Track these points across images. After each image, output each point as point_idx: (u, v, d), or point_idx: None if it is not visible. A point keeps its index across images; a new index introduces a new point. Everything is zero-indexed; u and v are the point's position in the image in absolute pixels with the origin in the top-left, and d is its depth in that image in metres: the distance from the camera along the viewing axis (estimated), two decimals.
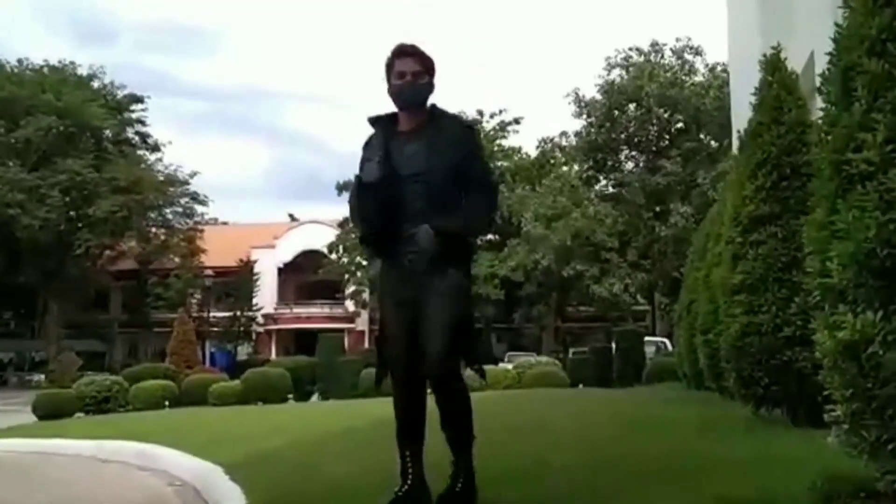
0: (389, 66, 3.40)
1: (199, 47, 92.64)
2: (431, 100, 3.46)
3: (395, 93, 3.39)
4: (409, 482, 3.24)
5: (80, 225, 41.75)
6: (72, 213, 41.53)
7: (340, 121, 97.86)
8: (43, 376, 35.91)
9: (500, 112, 41.96)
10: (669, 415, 7.38)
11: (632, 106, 36.08)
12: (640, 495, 3.26)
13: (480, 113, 41.78)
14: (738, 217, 5.57)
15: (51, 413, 15.15)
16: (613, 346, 20.46)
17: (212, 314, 38.74)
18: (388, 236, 3.33)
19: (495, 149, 41.34)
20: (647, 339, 22.95)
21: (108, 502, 5.44)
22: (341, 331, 36.97)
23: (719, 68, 33.58)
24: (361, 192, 3.34)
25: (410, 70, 3.36)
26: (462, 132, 3.48)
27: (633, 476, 3.72)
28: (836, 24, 2.65)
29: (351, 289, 42.17)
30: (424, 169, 3.31)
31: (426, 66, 3.41)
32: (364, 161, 3.43)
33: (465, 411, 3.28)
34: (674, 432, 5.69)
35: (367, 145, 3.47)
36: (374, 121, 3.50)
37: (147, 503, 5.30)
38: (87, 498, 5.70)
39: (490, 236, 42.04)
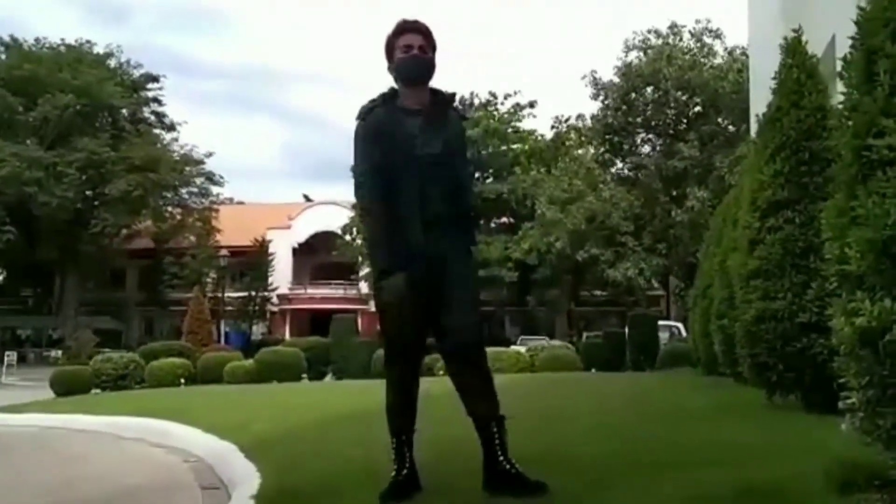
0: (390, 44, 3.30)
1: (208, 28, 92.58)
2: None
3: (402, 66, 3.27)
4: (406, 467, 3.20)
5: (96, 203, 42.09)
6: (88, 191, 41.87)
7: (354, 102, 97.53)
8: (60, 353, 36.31)
9: (515, 93, 41.78)
10: (683, 400, 7.37)
11: (649, 89, 35.81)
12: (654, 482, 3.25)
13: (493, 95, 41.61)
14: (755, 202, 5.53)
15: (68, 389, 15.34)
16: (627, 330, 20.41)
17: (227, 294, 38.97)
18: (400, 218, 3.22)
19: (509, 131, 41.20)
20: (661, 323, 22.87)
21: (125, 478, 5.51)
22: (355, 312, 37.11)
23: (738, 51, 33.24)
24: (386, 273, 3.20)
25: (417, 44, 3.26)
26: (461, 124, 3.51)
27: (646, 463, 3.72)
28: (859, 7, 2.61)
29: (365, 270, 42.22)
30: (440, 151, 3.26)
31: (430, 44, 3.32)
32: (368, 172, 3.28)
33: (493, 383, 3.25)
34: (688, 418, 5.68)
35: (369, 138, 3.28)
36: (367, 111, 3.31)
37: (163, 479, 5.36)
38: (103, 474, 5.77)
39: (504, 219, 42.05)
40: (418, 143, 3.24)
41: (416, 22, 3.34)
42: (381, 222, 3.26)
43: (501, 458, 3.13)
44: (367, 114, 3.31)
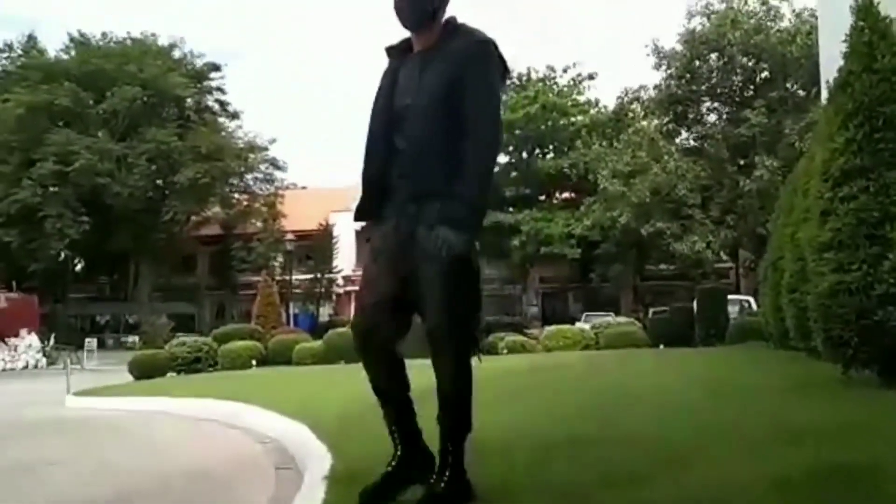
0: None
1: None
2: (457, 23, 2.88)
3: (396, 10, 2.84)
4: (398, 453, 2.95)
5: (166, 192, 43.29)
6: (158, 180, 43.05)
7: None
8: (137, 338, 37.62)
9: (574, 65, 41.19)
10: (756, 377, 7.23)
11: (714, 55, 34.82)
12: (728, 463, 3.20)
13: (552, 69, 41.09)
14: (827, 171, 5.36)
15: (145, 373, 15.88)
16: (695, 305, 20.03)
17: (294, 277, 39.70)
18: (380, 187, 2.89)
19: (569, 104, 40.68)
20: (730, 297, 22.37)
21: (201, 459, 5.69)
22: None
23: (807, 13, 32.03)
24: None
25: None
26: (468, 47, 2.77)
27: (718, 443, 3.65)
28: None
29: None
30: (412, 100, 2.78)
31: None
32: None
33: (463, 390, 2.83)
34: (761, 396, 5.57)
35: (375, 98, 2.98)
36: (388, 50, 2.99)
37: (238, 460, 5.52)
38: (180, 455, 5.97)
39: (565, 194, 41.60)
40: (399, 94, 2.84)
41: None
42: (364, 186, 2.97)
43: (441, 484, 2.75)
44: None
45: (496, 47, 2.81)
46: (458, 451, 2.80)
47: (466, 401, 2.84)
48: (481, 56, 2.78)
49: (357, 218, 3.05)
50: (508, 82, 40.48)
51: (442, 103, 2.71)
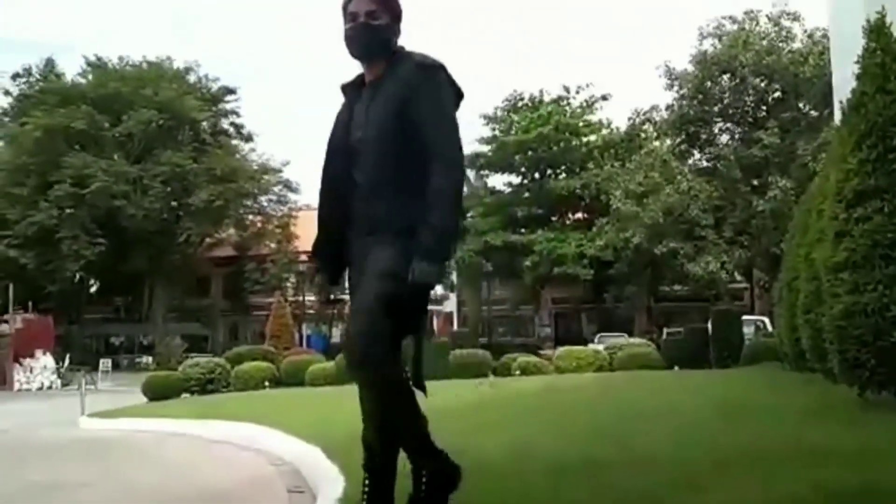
0: (344, 9, 2.81)
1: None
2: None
3: (345, 40, 2.78)
4: None
5: (181, 214, 43.59)
6: (173, 202, 43.38)
7: None
8: (150, 358, 37.75)
9: (587, 86, 41.31)
10: (770, 399, 7.18)
11: (725, 76, 34.83)
12: (741, 484, 3.18)
13: (566, 89, 41.24)
14: (841, 192, 5.36)
15: (159, 394, 15.93)
16: (709, 326, 19.92)
17: (307, 298, 39.77)
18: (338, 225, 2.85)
19: (581, 124, 40.80)
20: (745, 318, 22.23)
21: (214, 481, 5.70)
22: (430, 313, 37.27)
23: (819, 34, 32.04)
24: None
25: (364, 10, 2.74)
26: (415, 74, 2.70)
27: (732, 464, 3.63)
28: None
29: None
30: (363, 132, 2.75)
31: (385, 6, 2.78)
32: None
33: (394, 412, 2.77)
34: (778, 418, 5.53)
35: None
36: (343, 88, 2.95)
37: (251, 482, 5.52)
38: (193, 477, 5.98)
39: (578, 215, 41.57)
40: (353, 127, 2.81)
41: None
42: (319, 223, 2.94)
43: (420, 492, 2.72)
44: None
45: (444, 69, 2.75)
46: (427, 459, 2.75)
47: (397, 417, 2.78)
48: (428, 79, 2.71)
49: (314, 254, 2.99)
50: (519, 104, 40.93)
51: (391, 133, 2.67)
